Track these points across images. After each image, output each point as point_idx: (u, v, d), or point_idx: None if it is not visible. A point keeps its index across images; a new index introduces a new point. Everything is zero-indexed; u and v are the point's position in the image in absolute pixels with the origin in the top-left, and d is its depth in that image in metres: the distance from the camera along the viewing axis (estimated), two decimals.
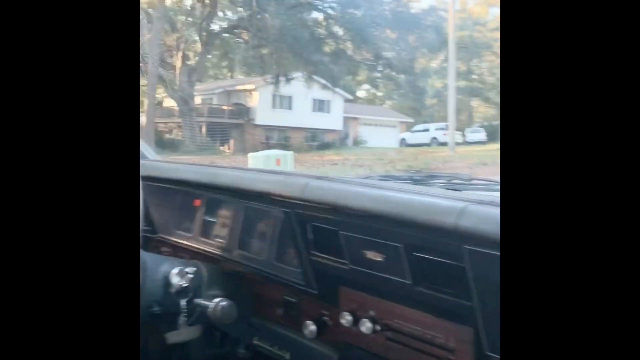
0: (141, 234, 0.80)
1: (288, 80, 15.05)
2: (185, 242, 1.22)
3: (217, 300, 0.93)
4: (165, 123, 16.50)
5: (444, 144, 16.29)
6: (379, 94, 27.25)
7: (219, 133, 16.32)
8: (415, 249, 0.73)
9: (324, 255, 0.89)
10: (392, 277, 0.78)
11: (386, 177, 1.24)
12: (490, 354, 0.69)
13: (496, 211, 0.62)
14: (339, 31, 15.66)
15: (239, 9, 15.42)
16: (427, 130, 19.86)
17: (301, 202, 0.88)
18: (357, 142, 19.51)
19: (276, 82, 15.10)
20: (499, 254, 0.61)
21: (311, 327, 0.91)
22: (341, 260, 0.86)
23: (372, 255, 0.79)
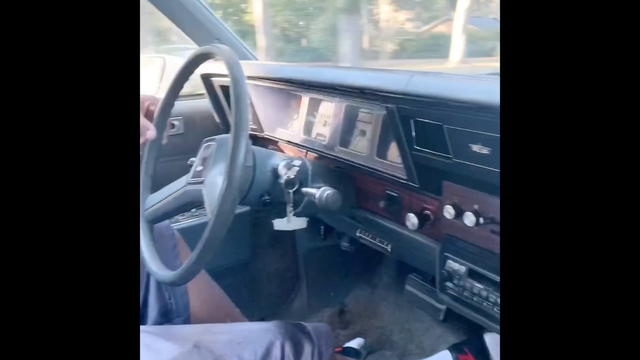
0: (249, 132, 0.84)
1: None
2: (289, 140, 1.27)
3: (322, 188, 0.98)
4: None
5: None
6: None
7: None
8: None
9: (426, 150, 0.88)
10: (498, 170, 0.76)
11: (495, 74, 1.17)
12: None
13: None
14: None
15: None
16: None
17: (404, 97, 0.87)
18: None
19: None
20: None
21: (413, 219, 0.93)
22: (445, 155, 0.85)
23: (478, 149, 0.78)
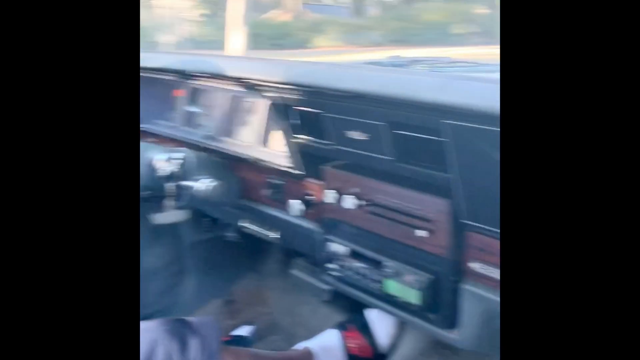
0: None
1: None
2: (169, 132, 1.23)
3: (205, 180, 0.97)
4: None
5: None
6: None
7: None
8: (398, 126, 0.76)
9: (308, 137, 0.92)
10: (375, 155, 0.82)
11: (369, 63, 1.24)
12: (464, 221, 0.75)
13: (475, 85, 0.64)
14: None
15: None
16: None
17: (286, 87, 0.89)
18: None
19: None
20: (477, 126, 0.65)
21: (297, 205, 0.96)
22: (325, 142, 0.89)
23: (356, 135, 0.83)
